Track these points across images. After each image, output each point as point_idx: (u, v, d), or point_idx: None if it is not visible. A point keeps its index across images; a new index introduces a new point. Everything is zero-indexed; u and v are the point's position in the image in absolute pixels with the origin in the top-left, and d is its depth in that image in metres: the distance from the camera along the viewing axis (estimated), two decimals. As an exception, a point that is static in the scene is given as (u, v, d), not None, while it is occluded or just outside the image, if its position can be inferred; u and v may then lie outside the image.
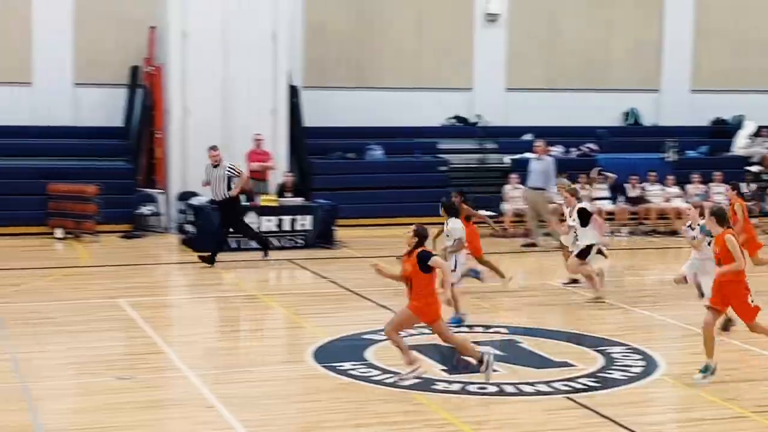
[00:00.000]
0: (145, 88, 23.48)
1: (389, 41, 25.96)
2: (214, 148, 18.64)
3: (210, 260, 17.84)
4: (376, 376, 10.80)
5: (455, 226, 13.30)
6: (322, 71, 25.20)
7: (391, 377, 10.66)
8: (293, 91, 23.70)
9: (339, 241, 20.56)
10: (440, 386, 10.44)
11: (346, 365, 11.15)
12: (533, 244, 20.90)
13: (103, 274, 17.62)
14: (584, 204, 15.10)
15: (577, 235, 14.90)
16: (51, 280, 16.68)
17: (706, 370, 10.59)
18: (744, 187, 21.36)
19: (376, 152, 24.75)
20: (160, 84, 23.00)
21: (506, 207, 22.70)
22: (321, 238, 20.55)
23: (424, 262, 10.27)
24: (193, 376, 10.85)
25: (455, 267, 13.18)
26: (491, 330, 13.11)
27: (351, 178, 23.91)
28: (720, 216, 10.77)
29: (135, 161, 23.24)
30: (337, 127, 24.99)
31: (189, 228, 20.28)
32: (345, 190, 22.98)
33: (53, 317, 13.79)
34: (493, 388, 10.34)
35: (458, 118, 26.58)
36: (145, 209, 22.21)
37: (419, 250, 10.36)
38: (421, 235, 10.47)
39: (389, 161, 24.69)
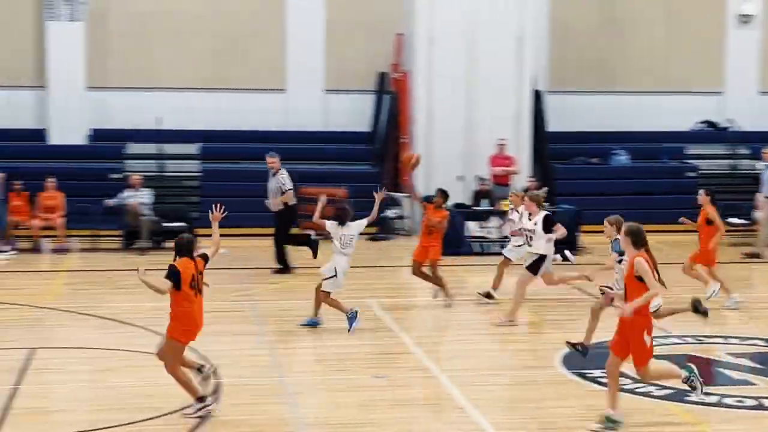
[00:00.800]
0: (392, 94, 24.01)
1: (636, 43, 25.46)
2: (271, 154, 18.40)
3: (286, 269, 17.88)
4: (626, 384, 10.62)
5: (350, 224, 13.38)
6: (567, 74, 24.98)
7: (643, 387, 10.46)
8: (537, 96, 23.65)
9: (583, 247, 20.33)
10: (694, 397, 10.14)
11: (596, 372, 11.01)
12: (756, 255, 20.03)
13: (351, 275, 18.04)
14: (547, 211, 14.22)
15: (530, 243, 13.96)
16: (304, 279, 17.29)
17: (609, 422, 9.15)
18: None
19: (621, 157, 24.32)
20: (406, 90, 23.47)
21: (758, 215, 21.78)
22: (564, 243, 20.35)
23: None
24: (443, 377, 11.02)
25: (335, 273, 13.27)
26: (747, 342, 12.65)
27: (595, 184, 23.56)
28: (636, 236, 9.24)
29: (381, 165, 23.78)
30: (581, 132, 24.72)
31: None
32: (589, 196, 22.67)
33: (307, 315, 14.28)
34: (751, 402, 9.97)
35: (708, 123, 25.74)
36: (391, 212, 22.69)
37: (173, 261, 9.39)
38: (179, 246, 9.51)
39: (635, 166, 24.21)
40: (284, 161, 23.33)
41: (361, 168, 23.76)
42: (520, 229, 14.67)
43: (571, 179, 23.49)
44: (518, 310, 13.87)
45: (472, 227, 20.24)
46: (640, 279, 9.04)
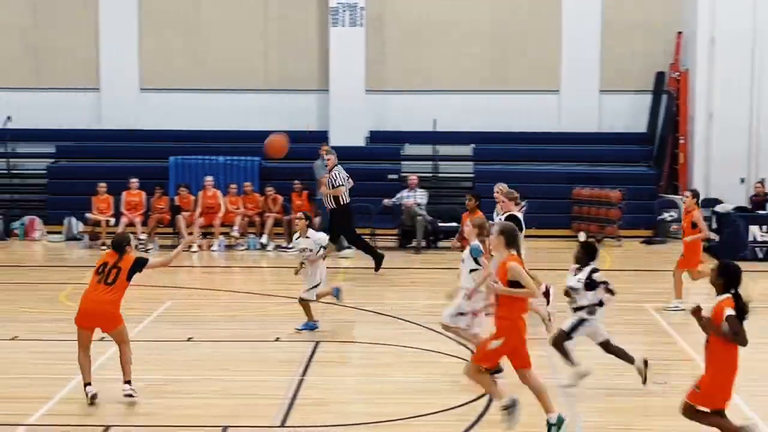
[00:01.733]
0: (669, 94, 23.37)
1: None
2: (329, 151, 18.39)
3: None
4: None
5: (318, 236, 13.23)
6: None
7: None
8: (829, 96, 22.39)
9: None
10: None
11: None
12: None
13: (624, 278, 17.79)
14: (515, 211, 12.93)
15: None
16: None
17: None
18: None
19: None
20: (685, 89, 22.80)
21: None
22: None
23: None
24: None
25: (320, 281, 13.05)
26: None
27: None
28: (510, 236, 8.72)
29: (658, 167, 23.21)
30: None
31: (712, 235, 19.84)
32: None
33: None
34: None
35: None
36: (667, 215, 22.10)
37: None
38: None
39: None
40: (556, 162, 23.34)
41: (637, 170, 23.29)
42: None
43: None
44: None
45: (756, 232, 19.39)
46: (515, 284, 8.67)
